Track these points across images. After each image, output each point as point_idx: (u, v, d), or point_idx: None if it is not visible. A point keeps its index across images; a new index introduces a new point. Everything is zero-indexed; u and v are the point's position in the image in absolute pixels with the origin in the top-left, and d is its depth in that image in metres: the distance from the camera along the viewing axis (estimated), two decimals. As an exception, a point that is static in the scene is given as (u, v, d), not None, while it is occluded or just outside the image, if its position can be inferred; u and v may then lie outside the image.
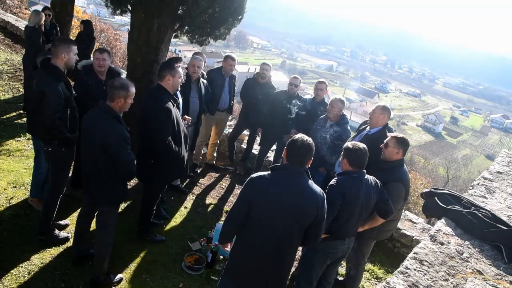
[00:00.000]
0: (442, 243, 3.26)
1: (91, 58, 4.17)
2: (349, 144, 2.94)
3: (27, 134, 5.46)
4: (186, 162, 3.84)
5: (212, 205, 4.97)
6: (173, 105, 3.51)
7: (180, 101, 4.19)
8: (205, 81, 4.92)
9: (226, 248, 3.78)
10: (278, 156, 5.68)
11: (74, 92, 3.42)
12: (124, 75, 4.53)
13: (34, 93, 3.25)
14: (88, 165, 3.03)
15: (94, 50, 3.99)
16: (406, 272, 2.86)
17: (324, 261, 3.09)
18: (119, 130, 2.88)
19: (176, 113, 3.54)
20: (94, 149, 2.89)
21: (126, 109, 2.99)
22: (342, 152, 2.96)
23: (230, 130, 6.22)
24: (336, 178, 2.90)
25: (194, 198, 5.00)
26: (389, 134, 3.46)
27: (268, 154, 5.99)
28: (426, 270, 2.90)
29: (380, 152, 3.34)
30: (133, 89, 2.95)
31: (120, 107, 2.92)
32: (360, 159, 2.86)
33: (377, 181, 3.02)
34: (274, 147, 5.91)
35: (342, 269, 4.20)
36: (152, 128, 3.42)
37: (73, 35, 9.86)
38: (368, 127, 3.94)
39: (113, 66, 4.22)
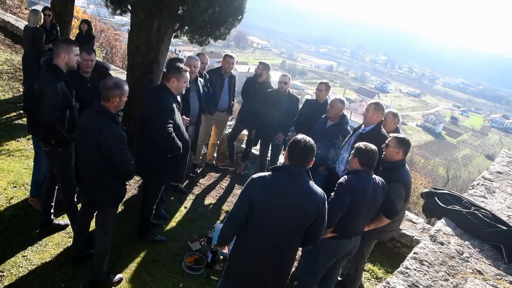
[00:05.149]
0: (442, 243, 3.26)
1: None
2: (361, 145, 2.97)
3: (27, 134, 5.46)
4: (184, 166, 3.82)
5: (212, 205, 4.97)
6: (177, 107, 3.51)
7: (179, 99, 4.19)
8: (202, 80, 4.90)
9: (224, 250, 3.78)
10: (274, 156, 5.67)
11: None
12: (112, 71, 4.49)
13: (35, 92, 3.26)
14: (86, 166, 3.03)
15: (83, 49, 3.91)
16: (406, 272, 2.86)
17: (330, 259, 3.11)
18: (114, 130, 2.87)
19: (178, 116, 3.54)
20: (91, 149, 2.88)
21: (121, 107, 2.99)
22: (353, 151, 3.00)
23: (230, 130, 6.22)
24: (345, 176, 2.94)
25: (194, 198, 5.00)
26: (390, 134, 3.46)
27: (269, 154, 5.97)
28: (426, 270, 2.90)
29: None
30: (126, 87, 2.95)
31: (116, 106, 2.91)
32: (371, 159, 2.91)
33: (383, 181, 3.04)
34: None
35: (341, 269, 4.20)
36: (154, 126, 3.42)
37: (73, 35, 9.86)
38: (363, 125, 3.95)
39: (100, 61, 4.14)
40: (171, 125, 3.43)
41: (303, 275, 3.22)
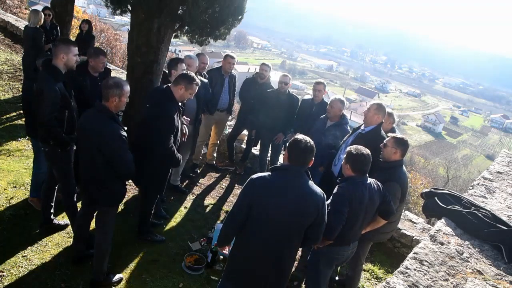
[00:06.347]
0: (442, 243, 3.26)
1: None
2: (352, 149, 2.88)
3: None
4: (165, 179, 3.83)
5: (212, 205, 4.97)
6: (178, 115, 3.52)
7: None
8: (204, 80, 4.91)
9: (224, 251, 3.78)
10: (274, 156, 5.67)
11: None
12: (112, 71, 4.58)
13: (34, 93, 3.26)
14: (86, 166, 3.03)
15: (95, 52, 4.06)
16: (406, 272, 2.86)
17: (331, 266, 3.09)
18: (115, 129, 2.86)
19: (178, 120, 3.55)
20: (91, 149, 2.88)
21: (122, 108, 2.98)
22: (345, 156, 2.92)
23: (230, 130, 6.22)
24: (339, 185, 2.86)
25: (194, 198, 5.00)
26: (389, 134, 3.45)
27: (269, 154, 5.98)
28: (426, 270, 2.90)
29: (374, 151, 3.33)
30: (127, 87, 2.93)
31: (115, 106, 2.90)
32: (363, 165, 2.83)
33: (379, 183, 3.00)
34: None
35: (341, 269, 4.20)
36: (153, 133, 3.43)
37: (73, 35, 9.87)
38: (363, 125, 3.94)
39: None
40: (171, 136, 3.45)
41: (307, 286, 3.21)
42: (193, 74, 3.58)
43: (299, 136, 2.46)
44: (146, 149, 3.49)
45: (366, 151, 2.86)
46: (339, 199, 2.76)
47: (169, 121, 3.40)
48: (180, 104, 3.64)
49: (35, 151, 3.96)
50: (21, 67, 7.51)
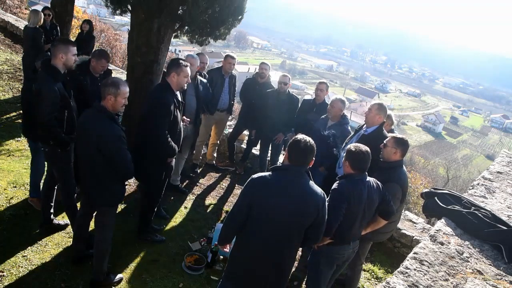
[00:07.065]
0: (442, 243, 3.26)
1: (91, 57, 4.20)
2: (351, 146, 2.88)
3: (26, 134, 5.46)
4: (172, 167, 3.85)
5: (212, 205, 4.97)
6: (176, 105, 3.51)
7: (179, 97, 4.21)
8: (204, 80, 4.91)
9: (225, 249, 3.78)
10: (274, 156, 5.68)
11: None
12: (112, 71, 4.63)
13: (33, 93, 3.26)
14: (85, 166, 3.03)
15: (99, 54, 4.08)
16: (406, 272, 2.86)
17: (331, 267, 3.08)
18: (114, 130, 2.86)
19: (177, 112, 3.55)
20: (90, 149, 2.88)
21: (120, 109, 2.96)
22: (345, 154, 2.93)
23: (230, 130, 6.22)
24: (338, 182, 2.86)
25: (194, 198, 5.00)
26: (389, 134, 3.45)
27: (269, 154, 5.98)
28: (426, 270, 2.91)
29: (378, 152, 3.32)
30: (124, 88, 2.92)
31: (112, 105, 2.89)
32: (363, 162, 2.82)
33: (378, 183, 2.99)
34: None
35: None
36: (150, 124, 3.44)
37: (73, 35, 9.87)
38: (365, 126, 3.93)
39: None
40: (166, 124, 3.45)
41: (308, 286, 3.21)
42: (180, 59, 3.61)
43: (299, 136, 2.46)
44: (146, 148, 3.49)
45: (366, 148, 2.86)
46: (336, 195, 2.76)
47: (164, 107, 3.40)
48: (180, 99, 3.65)
49: (32, 152, 3.96)
50: (21, 67, 7.51)
